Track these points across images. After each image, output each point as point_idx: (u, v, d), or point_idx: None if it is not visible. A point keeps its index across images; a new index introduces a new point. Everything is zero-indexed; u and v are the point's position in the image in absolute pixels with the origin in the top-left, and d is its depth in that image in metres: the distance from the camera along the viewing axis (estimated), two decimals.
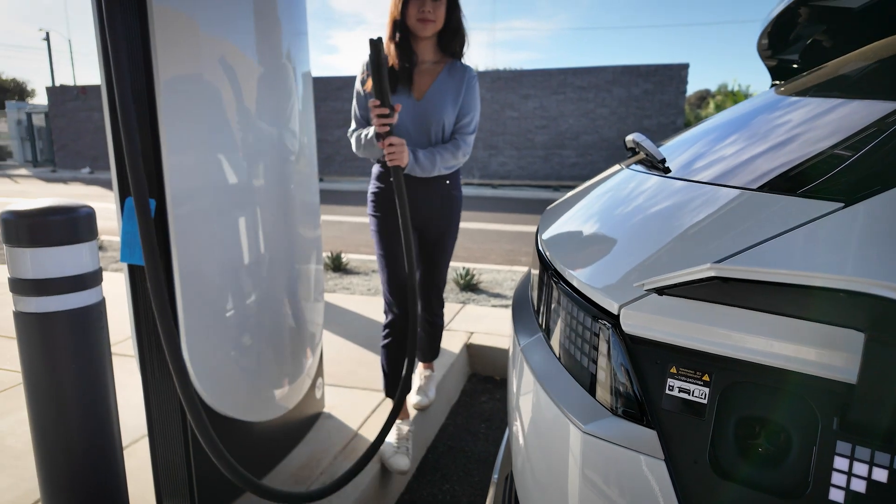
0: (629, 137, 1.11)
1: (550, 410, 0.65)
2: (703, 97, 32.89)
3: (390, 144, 1.63)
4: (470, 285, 4.00)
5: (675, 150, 1.01)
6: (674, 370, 0.56)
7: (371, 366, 2.55)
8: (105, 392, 1.03)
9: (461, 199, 2.00)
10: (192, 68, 1.31)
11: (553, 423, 0.65)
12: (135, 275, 1.32)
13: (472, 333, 3.03)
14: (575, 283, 0.70)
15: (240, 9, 1.45)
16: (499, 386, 2.80)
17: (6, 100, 26.99)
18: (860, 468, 0.47)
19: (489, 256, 5.87)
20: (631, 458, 0.56)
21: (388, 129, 1.61)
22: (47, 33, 30.34)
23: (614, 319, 0.60)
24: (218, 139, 1.41)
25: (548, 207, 1.21)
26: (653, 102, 14.14)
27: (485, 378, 2.87)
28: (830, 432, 0.49)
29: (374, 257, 4.62)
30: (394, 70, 1.78)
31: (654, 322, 0.57)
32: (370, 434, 2.03)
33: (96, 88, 18.24)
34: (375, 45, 1.46)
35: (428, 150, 1.80)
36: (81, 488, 1.00)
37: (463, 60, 1.88)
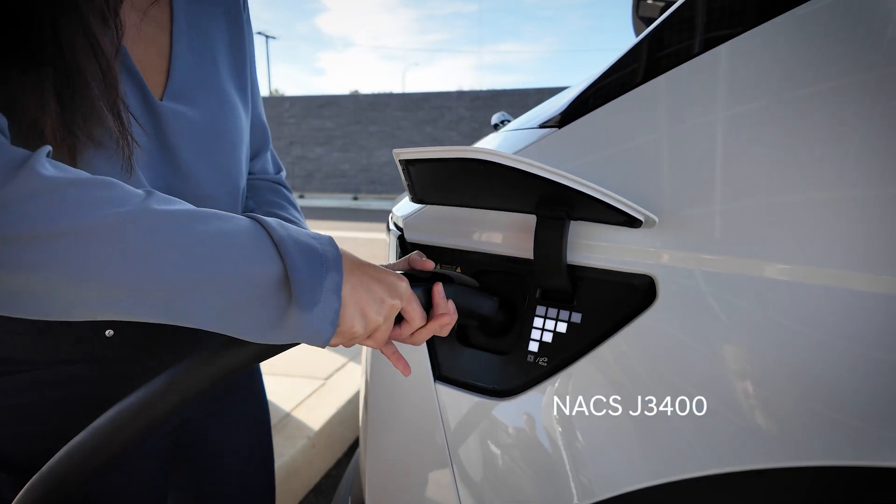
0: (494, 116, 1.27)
1: None
2: None
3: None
4: None
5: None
6: (438, 266, 0.69)
7: (311, 356, 2.65)
8: None
9: None
10: None
11: None
12: None
13: None
14: (392, 216, 0.84)
15: None
16: None
17: None
18: (549, 324, 0.60)
19: None
20: None
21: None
22: None
23: (401, 231, 0.74)
24: None
25: None
26: None
27: None
28: (534, 300, 0.62)
29: None
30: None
31: (421, 230, 0.71)
32: (302, 415, 2.14)
33: None
34: None
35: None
36: None
37: None
